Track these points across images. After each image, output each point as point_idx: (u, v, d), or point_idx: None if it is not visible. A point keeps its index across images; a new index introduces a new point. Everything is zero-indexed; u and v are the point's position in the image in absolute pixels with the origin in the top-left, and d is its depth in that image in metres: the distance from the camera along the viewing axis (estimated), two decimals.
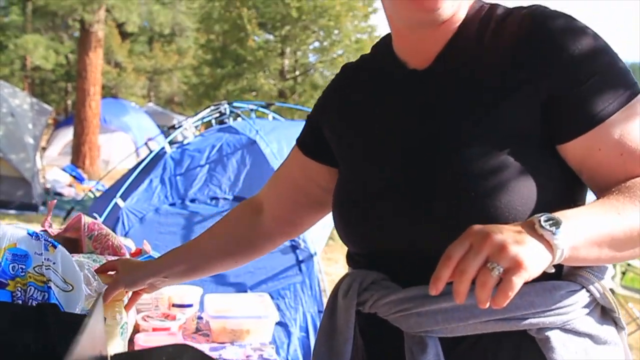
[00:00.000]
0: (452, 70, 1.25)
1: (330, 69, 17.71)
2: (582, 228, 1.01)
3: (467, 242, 0.95)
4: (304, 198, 1.57)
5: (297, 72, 18.21)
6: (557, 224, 0.97)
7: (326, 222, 5.56)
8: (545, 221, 0.97)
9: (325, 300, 4.96)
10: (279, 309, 4.63)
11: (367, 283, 1.27)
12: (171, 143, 5.93)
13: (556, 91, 1.14)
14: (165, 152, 5.61)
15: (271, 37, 18.18)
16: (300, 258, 4.82)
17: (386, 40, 1.40)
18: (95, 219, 2.31)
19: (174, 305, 2.42)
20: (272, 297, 4.75)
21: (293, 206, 1.59)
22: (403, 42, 1.32)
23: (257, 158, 5.34)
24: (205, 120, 6.18)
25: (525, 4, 1.26)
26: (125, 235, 4.82)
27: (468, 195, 1.13)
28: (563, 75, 1.14)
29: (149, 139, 11.10)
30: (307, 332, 4.62)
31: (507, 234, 0.94)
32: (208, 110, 6.16)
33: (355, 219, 1.31)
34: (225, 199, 5.16)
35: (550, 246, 0.96)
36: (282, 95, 17.83)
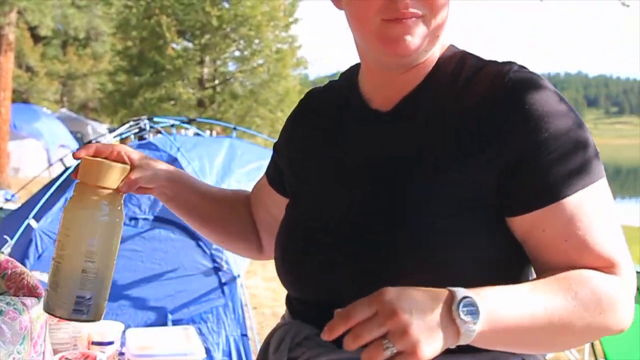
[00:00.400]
0: (414, 116, 1.22)
1: (250, 79, 17.63)
2: (500, 318, 0.98)
3: (374, 307, 0.91)
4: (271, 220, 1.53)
5: (217, 82, 18.02)
6: (475, 313, 0.94)
7: None
8: (464, 307, 0.94)
9: (248, 323, 4.92)
10: (200, 333, 4.53)
11: (300, 338, 1.22)
12: None
13: (515, 161, 1.10)
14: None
15: (190, 45, 17.94)
16: (223, 280, 4.73)
17: (354, 70, 1.38)
18: (6, 241, 2.18)
19: (93, 343, 2.30)
20: (193, 322, 4.69)
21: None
22: (371, 79, 1.29)
23: None
24: (124, 136, 6.00)
25: (501, 59, 1.22)
26: (39, 258, 4.62)
27: (405, 254, 1.11)
28: (524, 146, 1.10)
29: (62, 146, 10.75)
30: (229, 356, 4.53)
31: (416, 316, 0.90)
32: (127, 125, 5.99)
33: (291, 260, 1.28)
34: (145, 219, 5.01)
35: (458, 333, 0.94)
36: (201, 105, 17.63)
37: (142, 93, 18.10)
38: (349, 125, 1.31)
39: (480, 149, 1.12)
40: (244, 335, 4.64)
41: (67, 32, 21.96)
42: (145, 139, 5.82)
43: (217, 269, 4.77)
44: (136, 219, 5.01)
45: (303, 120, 1.46)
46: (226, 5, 16.87)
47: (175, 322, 4.46)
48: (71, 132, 20.42)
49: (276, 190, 1.49)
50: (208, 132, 14.82)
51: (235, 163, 5.62)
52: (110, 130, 6.29)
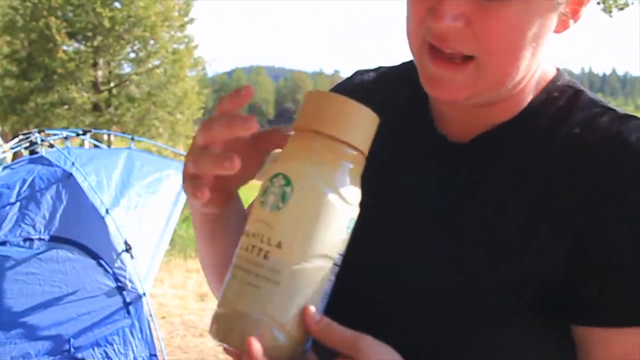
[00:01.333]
0: (491, 162, 0.93)
1: (147, 81, 17.21)
2: None
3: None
4: None
5: (112, 84, 17.51)
6: None
7: (156, 244, 5.35)
8: None
9: (155, 335, 4.77)
10: (106, 356, 4.35)
11: None
12: None
13: (607, 261, 0.83)
14: None
15: (82, 47, 17.35)
16: (128, 300, 4.56)
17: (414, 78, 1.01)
18: None
19: None
20: (98, 345, 4.51)
21: None
22: (442, 106, 0.99)
23: (74, 193, 4.97)
24: (14, 150, 5.69)
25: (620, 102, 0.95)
26: None
27: (439, 329, 0.91)
28: (627, 247, 0.82)
29: None
30: None
31: None
32: (16, 140, 5.68)
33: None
34: (40, 239, 4.76)
35: None
36: (96, 109, 17.10)
37: (34, 98, 17.38)
38: (406, 148, 1.02)
39: (564, 231, 0.85)
40: (153, 355, 4.49)
41: None
42: (37, 152, 5.53)
43: (120, 288, 4.60)
44: (31, 239, 4.76)
45: None
46: (118, 5, 16.39)
47: (78, 349, 4.26)
48: None
49: None
50: (106, 138, 14.38)
51: (135, 175, 5.43)
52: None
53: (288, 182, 0.75)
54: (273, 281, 0.73)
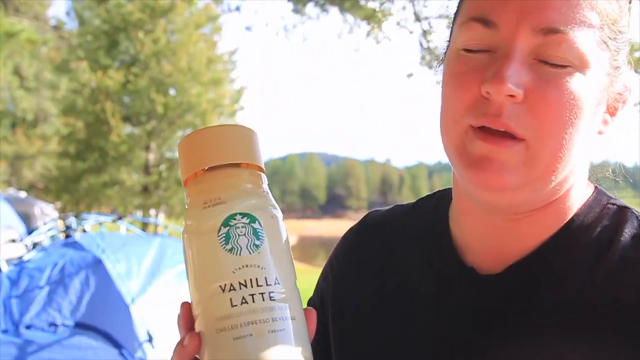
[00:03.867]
0: (530, 298, 0.85)
1: None
2: None
3: None
4: None
5: (162, 167, 17.88)
6: None
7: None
8: None
9: None
10: None
11: None
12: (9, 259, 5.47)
13: None
14: (0, 270, 5.16)
15: (136, 131, 17.84)
16: None
17: (443, 199, 1.03)
18: None
19: None
20: None
21: None
22: (466, 222, 0.94)
23: (102, 279, 4.99)
24: (49, 234, 5.79)
25: None
26: None
27: None
28: None
29: (7, 227, 10.40)
30: None
31: None
32: (52, 223, 5.79)
33: None
34: (65, 325, 4.75)
35: None
36: (145, 190, 17.41)
37: (86, 178, 17.84)
38: (430, 283, 0.96)
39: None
40: None
41: (16, 113, 21.71)
42: (71, 237, 5.61)
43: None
44: (55, 324, 4.76)
45: (360, 260, 1.08)
46: (172, 92, 16.90)
47: None
48: (17, 213, 19.98)
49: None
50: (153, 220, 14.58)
51: (165, 263, 5.43)
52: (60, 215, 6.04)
53: (253, 219, 0.71)
54: (290, 317, 0.70)
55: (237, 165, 0.74)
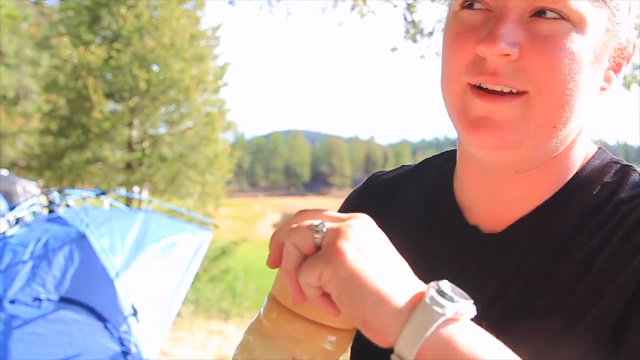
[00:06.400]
0: (534, 250, 0.86)
1: (179, 142, 17.43)
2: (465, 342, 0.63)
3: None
4: None
5: (145, 144, 17.78)
6: (452, 301, 0.64)
7: (165, 309, 5.29)
8: (444, 289, 0.65)
9: None
10: None
11: None
12: None
13: None
14: None
15: (118, 107, 17.70)
16: None
17: (447, 160, 1.04)
18: None
19: None
20: None
21: None
22: (469, 183, 0.95)
23: (86, 254, 4.99)
24: (32, 209, 5.75)
25: None
26: None
27: None
28: None
29: None
30: None
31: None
32: (35, 199, 5.75)
33: None
34: (49, 299, 4.75)
35: (415, 303, 0.64)
36: (129, 167, 17.32)
37: (69, 155, 17.70)
38: (434, 242, 0.97)
39: (621, 317, 0.77)
40: None
41: None
42: (54, 212, 5.58)
43: (125, 353, 4.54)
44: (39, 299, 4.75)
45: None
46: (155, 68, 16.76)
47: None
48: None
49: None
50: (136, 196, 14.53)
51: (149, 238, 5.43)
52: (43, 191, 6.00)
53: None
54: None
55: (331, 328, 0.71)
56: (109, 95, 17.49)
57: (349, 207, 1.13)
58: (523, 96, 0.80)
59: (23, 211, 5.68)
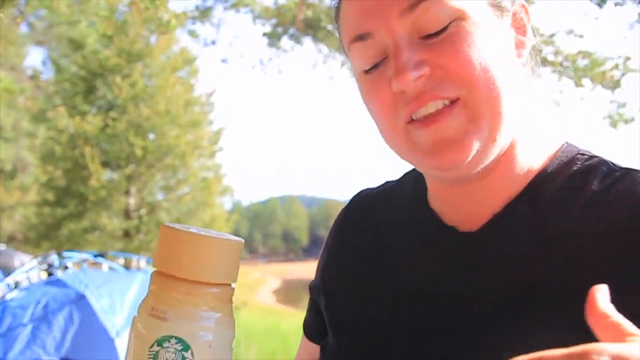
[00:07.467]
0: (512, 241, 0.88)
1: (176, 207, 17.47)
2: None
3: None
4: None
5: (143, 211, 17.80)
6: None
7: None
8: None
9: None
10: None
11: None
12: None
13: None
14: None
15: (115, 175, 17.80)
16: None
17: (417, 174, 1.06)
18: None
19: None
20: None
21: None
22: (438, 194, 0.98)
23: (86, 314, 4.97)
24: (30, 272, 5.75)
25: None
26: None
27: None
28: None
29: None
30: None
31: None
32: (34, 262, 5.75)
33: None
34: None
35: None
36: (127, 235, 17.30)
37: (67, 224, 17.70)
38: (418, 242, 0.99)
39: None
40: None
41: None
42: (53, 274, 5.58)
43: None
44: None
45: (353, 235, 1.11)
46: (151, 136, 16.93)
47: None
48: None
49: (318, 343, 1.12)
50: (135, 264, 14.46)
51: None
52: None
53: (187, 347, 0.67)
54: None
55: (197, 282, 0.69)
56: (106, 164, 17.61)
57: (336, 222, 1.18)
58: (458, 102, 0.82)
59: (21, 275, 5.67)
